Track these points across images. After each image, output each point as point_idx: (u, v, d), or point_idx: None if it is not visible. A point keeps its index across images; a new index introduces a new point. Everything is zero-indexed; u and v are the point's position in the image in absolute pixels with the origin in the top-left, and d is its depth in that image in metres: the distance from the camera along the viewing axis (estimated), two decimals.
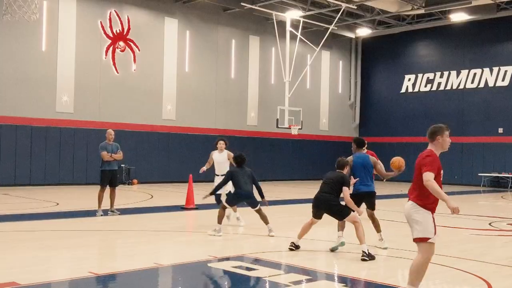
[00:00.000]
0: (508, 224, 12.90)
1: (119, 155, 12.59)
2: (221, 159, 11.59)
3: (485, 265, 7.64)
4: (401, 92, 32.24)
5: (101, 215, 12.18)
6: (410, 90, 31.87)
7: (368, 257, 7.74)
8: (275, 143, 29.19)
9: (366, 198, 8.82)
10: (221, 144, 11.65)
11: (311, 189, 20.92)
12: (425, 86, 31.23)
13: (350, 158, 8.87)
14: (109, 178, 12.42)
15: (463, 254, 8.43)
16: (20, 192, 18.31)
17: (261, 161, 28.35)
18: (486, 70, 28.92)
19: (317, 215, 8.51)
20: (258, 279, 6.55)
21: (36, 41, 21.04)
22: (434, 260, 7.80)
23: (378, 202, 9.37)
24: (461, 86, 29.84)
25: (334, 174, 8.52)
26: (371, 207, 8.95)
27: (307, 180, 29.11)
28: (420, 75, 31.46)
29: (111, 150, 12.51)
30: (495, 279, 6.73)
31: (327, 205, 8.33)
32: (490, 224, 12.60)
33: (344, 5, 24.84)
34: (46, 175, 21.25)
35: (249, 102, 28.39)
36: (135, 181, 23.40)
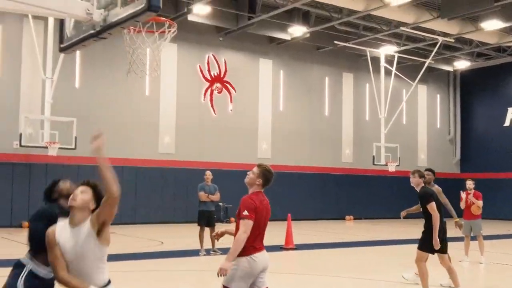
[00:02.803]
0: None
1: (216, 196, 12.93)
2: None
3: None
4: (504, 125, 30.68)
5: (204, 254, 12.48)
6: None
7: None
8: (372, 180, 28.63)
9: None
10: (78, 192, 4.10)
11: (411, 228, 20.18)
12: None
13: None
14: (206, 219, 12.75)
15: None
16: (126, 230, 19.16)
17: (357, 198, 27.91)
18: None
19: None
20: None
21: (141, 87, 22.31)
22: None
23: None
24: None
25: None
26: None
27: (406, 219, 28.15)
28: None
29: (209, 191, 12.90)
30: None
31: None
32: None
33: (441, 38, 24.29)
34: (149, 213, 22.13)
35: (343, 139, 28.21)
36: (232, 219, 23.79)
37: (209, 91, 24.08)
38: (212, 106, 24.06)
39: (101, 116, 21.31)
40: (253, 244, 4.82)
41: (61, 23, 4.79)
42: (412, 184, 7.97)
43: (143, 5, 3.69)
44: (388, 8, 20.43)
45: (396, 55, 26.35)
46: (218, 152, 24.02)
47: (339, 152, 28.03)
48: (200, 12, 21.42)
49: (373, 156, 25.48)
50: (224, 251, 13.51)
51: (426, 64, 26.60)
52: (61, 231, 3.80)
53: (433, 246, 7.61)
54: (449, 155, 32.31)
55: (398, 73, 26.41)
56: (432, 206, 7.67)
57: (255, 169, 5.04)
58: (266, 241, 14.91)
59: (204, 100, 23.95)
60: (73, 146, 18.77)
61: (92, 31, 4.20)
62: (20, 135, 18.55)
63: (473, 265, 11.85)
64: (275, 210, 22.87)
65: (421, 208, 7.93)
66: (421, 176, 7.95)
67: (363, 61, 27.57)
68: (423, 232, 7.83)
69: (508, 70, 30.21)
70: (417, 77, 26.90)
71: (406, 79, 26.87)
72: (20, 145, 18.66)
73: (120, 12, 4.00)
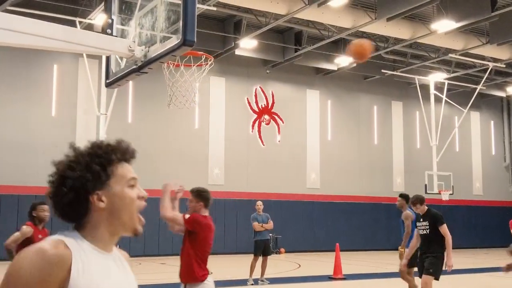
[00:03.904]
0: None
1: (269, 225, 13.10)
2: None
3: None
4: None
5: (252, 284, 12.55)
6: None
7: None
8: None
9: None
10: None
11: (466, 258, 19.59)
12: None
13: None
14: (262, 248, 12.93)
15: None
16: (177, 261, 19.39)
17: None
18: None
19: None
20: None
21: (190, 120, 22.85)
22: None
23: None
24: None
25: None
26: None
27: (460, 249, 27.30)
28: None
29: (262, 221, 13.08)
30: None
31: None
32: None
33: (491, 64, 23.85)
34: None
35: (394, 168, 27.81)
36: (282, 250, 23.71)
37: (257, 122, 24.39)
38: (260, 137, 24.34)
39: (152, 149, 21.90)
40: (204, 270, 4.87)
41: (107, 60, 5.10)
42: (417, 211, 8.16)
43: (179, 40, 3.93)
44: (435, 35, 20.31)
45: (446, 82, 25.98)
46: (267, 182, 24.15)
47: (390, 181, 27.62)
48: (247, 46, 21.92)
49: (425, 185, 24.93)
50: (272, 281, 13.54)
51: (477, 91, 26.07)
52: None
53: (439, 270, 7.62)
54: (505, 182, 31.27)
55: (449, 100, 25.99)
56: (445, 228, 7.76)
57: (190, 197, 5.05)
58: (315, 271, 14.88)
59: (252, 131, 24.26)
60: None
61: (134, 67, 4.47)
62: None
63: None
64: (325, 240, 22.82)
65: (427, 231, 7.92)
66: (422, 201, 8.11)
67: (412, 89, 27.31)
68: (433, 257, 7.75)
69: None
70: (469, 103, 26.36)
71: (458, 106, 26.38)
72: None
73: (159, 48, 4.25)
